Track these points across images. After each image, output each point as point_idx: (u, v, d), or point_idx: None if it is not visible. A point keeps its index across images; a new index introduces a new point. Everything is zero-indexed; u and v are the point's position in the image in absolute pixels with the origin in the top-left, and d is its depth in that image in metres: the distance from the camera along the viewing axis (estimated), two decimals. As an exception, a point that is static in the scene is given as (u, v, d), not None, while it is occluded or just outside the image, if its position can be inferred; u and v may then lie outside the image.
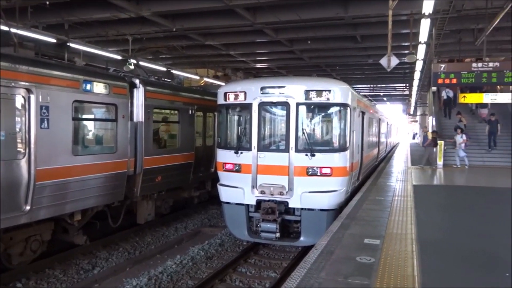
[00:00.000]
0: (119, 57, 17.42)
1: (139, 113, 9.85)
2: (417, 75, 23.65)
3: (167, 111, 11.70)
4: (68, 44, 14.38)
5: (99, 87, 8.66)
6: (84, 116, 9.23)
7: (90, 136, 9.56)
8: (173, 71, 20.96)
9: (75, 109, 8.16)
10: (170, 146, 11.70)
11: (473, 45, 15.62)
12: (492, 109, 22.18)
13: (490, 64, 12.64)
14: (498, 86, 21.80)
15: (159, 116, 11.29)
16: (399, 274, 4.87)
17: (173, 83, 13.23)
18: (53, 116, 7.51)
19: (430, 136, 18.29)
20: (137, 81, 9.91)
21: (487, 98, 18.25)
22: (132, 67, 15.44)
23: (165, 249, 9.90)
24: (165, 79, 12.60)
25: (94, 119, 9.64)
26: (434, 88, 22.06)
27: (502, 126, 18.97)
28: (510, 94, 19.82)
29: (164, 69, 20.63)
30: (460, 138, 17.20)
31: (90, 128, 9.64)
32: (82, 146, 8.91)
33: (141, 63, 17.08)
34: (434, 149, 17.90)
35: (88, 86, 8.40)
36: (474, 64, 12.79)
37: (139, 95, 9.85)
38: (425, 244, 6.17)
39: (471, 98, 18.52)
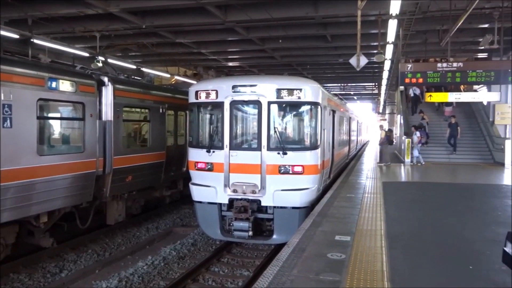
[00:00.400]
0: (86, 54, 17.01)
1: (108, 112, 9.65)
2: (385, 74, 24.15)
3: (137, 109, 11.50)
4: (32, 40, 13.92)
5: (65, 85, 8.41)
6: (50, 115, 8.97)
7: (56, 135, 9.30)
8: (143, 69, 20.62)
9: (40, 108, 7.90)
10: (141, 145, 11.52)
11: (438, 45, 16.12)
12: (457, 107, 22.99)
13: (454, 64, 13.06)
14: (462, 86, 22.60)
15: (129, 115, 11.09)
16: (369, 269, 4.98)
17: (143, 81, 12.99)
18: (16, 115, 7.24)
19: (383, 134, 18.76)
20: (105, 79, 9.69)
21: (451, 97, 18.83)
22: (100, 64, 15.09)
23: (136, 250, 9.75)
24: (135, 77, 12.37)
25: (61, 118, 9.37)
26: (401, 87, 22.63)
27: (462, 129, 19.54)
28: (473, 93, 20.61)
29: (133, 67, 20.27)
30: (415, 137, 17.67)
31: (57, 127, 9.37)
32: (48, 145, 8.64)
33: (109, 60, 16.72)
34: (389, 147, 18.46)
35: (54, 84, 8.14)
36: (439, 64, 13.19)
37: (107, 93, 9.64)
38: (393, 239, 6.33)
39: (436, 97, 19.09)
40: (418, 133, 17.79)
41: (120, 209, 10.75)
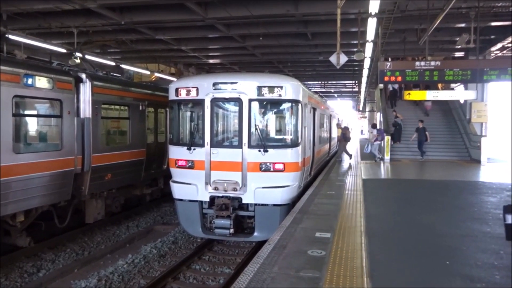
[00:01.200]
0: (64, 51, 16.66)
1: (86, 109, 9.50)
2: (365, 72, 24.46)
3: (117, 107, 11.34)
4: (6, 35, 13.56)
5: (41, 82, 8.24)
6: (26, 112, 8.77)
7: (33, 133, 9.11)
8: (123, 66, 20.34)
9: (15, 105, 7.73)
10: (120, 143, 11.37)
11: (417, 44, 16.40)
12: (435, 105, 23.44)
13: (432, 63, 13.30)
14: (440, 84, 23.05)
15: (108, 112, 10.93)
16: (349, 266, 5.04)
17: (123, 78, 12.82)
18: (-9, 112, 7.07)
19: (339, 132, 19.09)
20: (83, 76, 9.53)
21: (429, 95, 19.20)
22: (78, 61, 14.81)
23: (116, 249, 9.64)
24: (114, 74, 12.19)
25: (37, 115, 9.17)
26: (381, 85, 22.93)
27: (438, 128, 19.94)
28: (450, 91, 21.04)
29: (112, 63, 19.97)
30: (372, 135, 18.02)
31: (33, 124, 9.17)
32: (24, 143, 8.46)
33: (87, 57, 16.43)
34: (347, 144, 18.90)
35: (30, 81, 7.97)
36: (417, 63, 13.41)
37: (85, 90, 9.48)
38: (373, 235, 6.42)
39: (415, 95, 19.43)
40: (375, 131, 18.16)
41: (99, 208, 10.60)
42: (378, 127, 19.92)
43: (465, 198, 10.06)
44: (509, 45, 19.42)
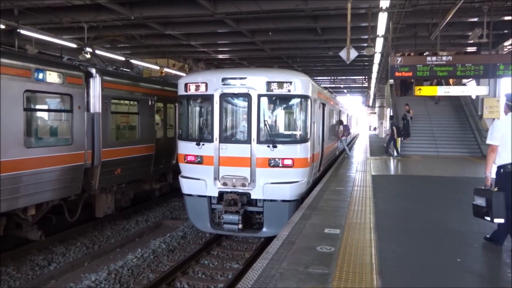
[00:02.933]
0: (74, 46, 16.75)
1: (96, 104, 9.54)
2: (375, 67, 24.25)
3: (126, 102, 11.39)
4: (18, 30, 13.66)
5: (52, 77, 8.28)
6: (37, 107, 8.84)
7: (43, 127, 9.17)
8: (132, 61, 20.40)
9: (27, 99, 7.78)
10: (130, 138, 11.42)
11: (428, 39, 16.19)
12: (445, 101, 23.18)
13: (444, 58, 13.13)
14: (451, 79, 22.79)
15: (118, 107, 10.98)
16: (358, 262, 5.01)
17: (132, 73, 12.85)
18: (3, 107, 7.12)
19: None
20: (93, 71, 9.56)
21: (441, 91, 18.96)
22: (88, 56, 14.90)
23: (125, 243, 9.71)
24: (124, 69, 12.23)
25: (48, 110, 9.23)
26: (391, 81, 22.74)
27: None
28: (462, 87, 20.79)
29: (122, 58, 20.05)
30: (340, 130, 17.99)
31: (44, 119, 9.24)
32: (35, 137, 8.53)
33: (98, 52, 16.52)
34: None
35: (41, 75, 8.01)
36: (428, 58, 13.25)
37: (95, 85, 9.52)
38: (382, 232, 6.38)
39: (426, 91, 19.19)
40: (341, 127, 18.14)
41: (109, 202, 10.67)
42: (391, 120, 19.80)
43: (476, 195, 9.92)
44: (523, 40, 19.12)
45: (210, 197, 9.09)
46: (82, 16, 15.29)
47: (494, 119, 20.95)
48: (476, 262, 5.18)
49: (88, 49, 15.64)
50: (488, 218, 5.30)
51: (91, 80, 9.49)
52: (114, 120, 10.65)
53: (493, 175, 5.54)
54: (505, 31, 18.15)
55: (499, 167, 5.53)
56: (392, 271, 4.82)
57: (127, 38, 18.96)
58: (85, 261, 8.46)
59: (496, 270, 4.88)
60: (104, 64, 11.44)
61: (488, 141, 5.61)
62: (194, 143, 9.09)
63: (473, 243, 6.01)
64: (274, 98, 9.00)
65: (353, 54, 11.89)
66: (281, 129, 9.41)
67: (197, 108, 9.76)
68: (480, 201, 5.46)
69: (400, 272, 4.87)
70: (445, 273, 4.82)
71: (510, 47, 20.57)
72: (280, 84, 8.68)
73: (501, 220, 5.24)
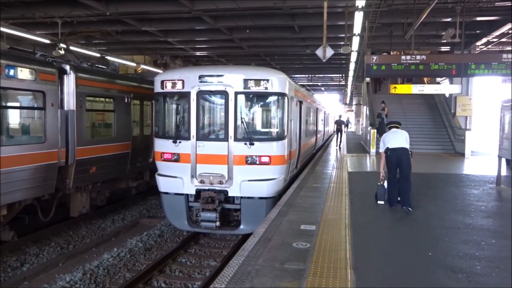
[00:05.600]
0: (47, 41, 16.37)
1: (70, 101, 9.36)
2: (352, 66, 24.56)
3: (102, 99, 11.21)
4: (-12, 25, 13.27)
5: (24, 73, 8.09)
6: (8, 104, 8.59)
7: (15, 125, 8.93)
8: (108, 57, 20.07)
9: (-3, 96, 7.58)
10: (105, 136, 11.26)
11: (403, 38, 16.50)
12: (419, 99, 23.65)
13: (418, 57, 13.40)
14: (426, 78, 23.28)
15: (93, 105, 10.79)
16: (333, 257, 5.09)
17: (108, 70, 12.65)
18: (-28, 104, 6.92)
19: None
20: (67, 67, 9.38)
21: (415, 89, 19.33)
22: (62, 52, 14.58)
23: (101, 242, 9.58)
24: (99, 66, 12.02)
25: (20, 107, 9.00)
26: (367, 79, 23.06)
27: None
28: (436, 85, 21.27)
29: (97, 55, 19.71)
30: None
31: (16, 116, 8.99)
32: (6, 136, 8.30)
33: (72, 48, 16.18)
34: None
35: (12, 72, 7.81)
36: (403, 57, 13.50)
37: (70, 82, 9.34)
38: (357, 228, 6.49)
39: (401, 89, 19.54)
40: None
41: (84, 201, 10.51)
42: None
43: (449, 190, 10.21)
44: (494, 40, 19.68)
45: (187, 195, 9.05)
46: (56, 11, 14.94)
47: (466, 117, 21.59)
48: (447, 255, 5.32)
49: (62, 45, 15.30)
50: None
51: (65, 77, 9.30)
52: (89, 117, 10.47)
53: None
54: (477, 32, 18.65)
55: None
56: (366, 265, 4.92)
57: (102, 34, 18.63)
58: (59, 261, 8.32)
59: (466, 263, 5.03)
60: (78, 61, 11.23)
61: None
62: (171, 141, 9.03)
63: (444, 237, 6.17)
64: (251, 95, 9.02)
65: (329, 52, 12.00)
66: (258, 126, 9.44)
67: (174, 106, 9.69)
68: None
69: (373, 266, 4.97)
70: (417, 267, 4.94)
71: (482, 47, 21.17)
72: (257, 81, 8.70)
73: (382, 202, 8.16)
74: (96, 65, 11.66)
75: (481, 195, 9.43)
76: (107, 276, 7.60)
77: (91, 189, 10.64)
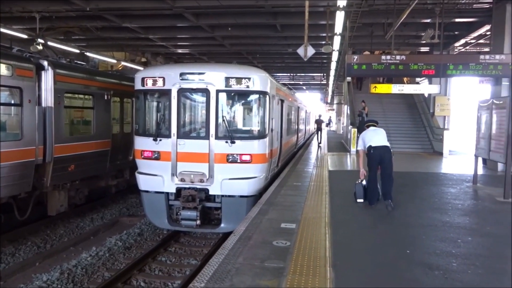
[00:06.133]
0: (25, 36, 16.00)
1: (48, 98, 9.16)
2: (333, 65, 24.74)
3: (81, 96, 11.02)
4: (-37, 19, 12.89)
5: (0, 68, 7.88)
6: (-17, 100, 8.38)
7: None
8: (88, 54, 19.73)
9: (-29, 92, 7.37)
10: (84, 133, 11.08)
11: (384, 38, 16.69)
12: (399, 99, 24.00)
13: (398, 57, 13.58)
14: (405, 78, 23.63)
15: (72, 101, 10.60)
16: (313, 256, 5.12)
17: (87, 66, 12.44)
18: None
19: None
20: (45, 63, 9.18)
21: (395, 88, 19.61)
22: (40, 47, 14.27)
23: (79, 241, 9.44)
24: (78, 62, 11.81)
25: (-5, 103, 8.78)
26: (349, 78, 23.27)
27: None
28: (415, 85, 21.62)
29: (77, 51, 19.34)
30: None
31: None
32: (-19, 133, 8.11)
33: (50, 43, 15.85)
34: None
35: (-13, 67, 7.62)
36: (383, 57, 13.67)
37: (47, 78, 9.15)
38: (337, 226, 6.54)
39: (381, 89, 19.80)
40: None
41: (62, 199, 10.32)
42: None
43: (427, 189, 10.38)
44: (472, 41, 20.10)
45: (167, 193, 8.98)
46: (34, 6, 14.63)
47: (445, 116, 22.01)
48: (424, 253, 5.41)
49: (40, 41, 14.98)
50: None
51: (43, 72, 9.10)
52: (68, 114, 10.29)
53: None
54: (456, 33, 19.02)
55: None
56: (345, 263, 4.96)
57: (82, 30, 18.31)
58: (36, 261, 8.16)
59: (443, 260, 5.12)
60: (57, 57, 11.01)
61: None
62: (151, 138, 8.94)
63: (422, 235, 6.28)
64: (232, 93, 9.00)
65: (311, 51, 12.07)
66: (240, 125, 9.43)
67: (155, 103, 9.59)
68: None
69: (352, 264, 5.02)
70: (395, 264, 5.02)
71: (460, 48, 21.60)
72: (239, 80, 8.68)
73: (361, 200, 8.28)
74: (75, 61, 11.46)
75: (458, 194, 9.63)
76: (85, 276, 7.49)
77: (69, 187, 10.45)
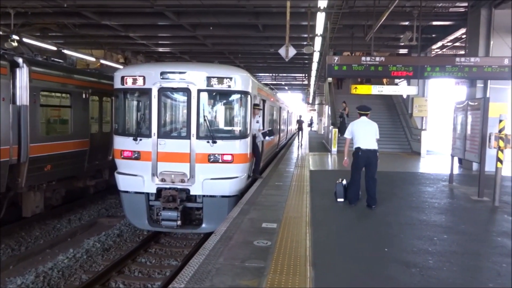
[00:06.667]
0: (-1, 33, 15.59)
1: (23, 96, 8.94)
2: (314, 66, 24.89)
3: (58, 94, 10.79)
4: None
5: (-27, 65, 7.67)
6: (-45, 98, 8.13)
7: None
8: (65, 51, 19.33)
9: None
10: (62, 133, 10.85)
11: (364, 40, 16.88)
12: (379, 100, 24.31)
13: (377, 59, 13.75)
14: (385, 80, 23.94)
15: (48, 100, 10.36)
16: (293, 255, 5.13)
17: (65, 64, 12.18)
18: None
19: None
20: (20, 60, 8.95)
21: (375, 89, 19.84)
22: (15, 44, 13.91)
23: (56, 243, 9.22)
24: (55, 59, 11.56)
25: (-32, 102, 8.53)
26: (329, 79, 23.47)
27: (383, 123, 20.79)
28: (394, 87, 21.92)
29: (54, 48, 18.94)
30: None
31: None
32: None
33: (26, 40, 15.47)
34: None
35: (-41, 64, 7.38)
36: (363, 58, 13.82)
37: (22, 75, 8.92)
38: (317, 225, 6.58)
39: (361, 89, 19.99)
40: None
41: (38, 200, 10.09)
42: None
43: (405, 188, 10.55)
44: (449, 44, 20.52)
45: (147, 193, 8.87)
46: (8, 1, 14.26)
47: (422, 117, 22.40)
48: (402, 251, 5.49)
49: (15, 37, 14.60)
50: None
51: (18, 70, 8.88)
52: (44, 113, 10.05)
53: None
54: (433, 35, 19.38)
55: None
56: (324, 262, 4.99)
57: (59, 27, 17.93)
58: (10, 264, 7.93)
59: (419, 258, 5.20)
60: (32, 54, 10.75)
61: None
62: (131, 138, 8.81)
63: (400, 233, 6.37)
64: (214, 93, 8.95)
65: (292, 52, 12.10)
66: (221, 124, 9.39)
67: (135, 102, 9.46)
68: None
69: (332, 263, 5.05)
70: (373, 263, 5.07)
71: (437, 50, 22.03)
72: (220, 79, 8.64)
73: (341, 199, 8.38)
74: (52, 59, 11.21)
75: (435, 193, 9.81)
76: (61, 278, 7.34)
77: (45, 188, 10.22)
